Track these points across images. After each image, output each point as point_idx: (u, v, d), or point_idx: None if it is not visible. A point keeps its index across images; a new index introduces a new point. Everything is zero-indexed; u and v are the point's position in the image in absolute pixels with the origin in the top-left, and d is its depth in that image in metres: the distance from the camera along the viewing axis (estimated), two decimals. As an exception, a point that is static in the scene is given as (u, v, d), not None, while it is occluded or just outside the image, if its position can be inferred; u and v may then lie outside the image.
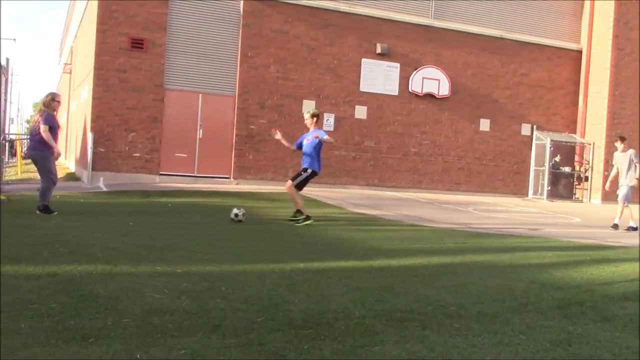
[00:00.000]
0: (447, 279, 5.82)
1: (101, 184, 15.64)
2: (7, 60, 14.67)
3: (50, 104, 9.65)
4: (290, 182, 10.45)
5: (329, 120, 18.87)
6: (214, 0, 17.65)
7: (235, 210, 9.66)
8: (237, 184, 17.72)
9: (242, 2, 17.86)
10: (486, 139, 20.95)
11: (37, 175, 17.30)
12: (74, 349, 3.20)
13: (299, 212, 10.20)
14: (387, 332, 3.89)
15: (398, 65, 19.62)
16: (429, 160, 20.23)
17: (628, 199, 12.17)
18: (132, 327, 3.63)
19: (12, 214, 8.89)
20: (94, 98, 16.64)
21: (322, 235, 8.83)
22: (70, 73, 29.30)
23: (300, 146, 10.69)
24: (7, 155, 22.24)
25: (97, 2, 16.77)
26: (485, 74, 20.79)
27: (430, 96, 20.00)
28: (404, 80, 19.70)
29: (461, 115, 20.50)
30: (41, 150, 9.49)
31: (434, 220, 11.78)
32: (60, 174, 21.78)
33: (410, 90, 19.76)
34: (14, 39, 73.49)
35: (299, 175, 10.46)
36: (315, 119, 10.69)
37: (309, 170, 10.42)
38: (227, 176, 17.94)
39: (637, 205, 13.49)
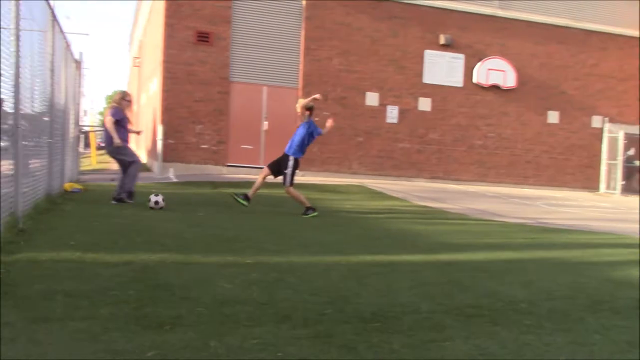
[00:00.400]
0: (516, 274, 5.70)
1: (171, 175, 16.05)
2: (81, 54, 15.20)
3: (120, 102, 10.05)
4: (287, 187, 9.72)
5: (392, 112, 18.75)
6: (278, -7, 17.79)
7: (153, 197, 9.19)
8: (302, 176, 17.85)
9: (306, -6, 17.93)
10: (555, 132, 20.37)
11: (111, 166, 17.87)
12: (151, 335, 3.29)
13: (310, 208, 9.62)
14: (457, 328, 3.85)
15: (462, 56, 19.30)
16: (495, 153, 19.83)
17: None
18: (205, 316, 3.71)
19: (89, 204, 9.22)
20: (163, 91, 17.07)
21: (387, 228, 8.80)
22: (140, 66, 30.11)
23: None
24: (82, 147, 23.05)
25: (166, -3, 17.17)
26: (553, 64, 20.19)
27: (495, 88, 19.59)
28: (469, 71, 19.37)
29: (528, 107, 19.99)
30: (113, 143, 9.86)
31: (501, 215, 11.55)
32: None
33: (475, 82, 19.41)
34: (87, 34, 76.06)
35: (285, 173, 9.69)
36: (308, 112, 9.86)
37: (292, 159, 9.70)
38: (291, 168, 18.09)
39: None
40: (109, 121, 9.77)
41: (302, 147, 9.75)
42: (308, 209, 9.56)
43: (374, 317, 3.94)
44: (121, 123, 9.90)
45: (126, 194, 9.77)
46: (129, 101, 10.32)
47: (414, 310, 4.16)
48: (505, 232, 9.13)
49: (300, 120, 10.07)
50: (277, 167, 9.74)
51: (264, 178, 9.73)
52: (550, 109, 20.24)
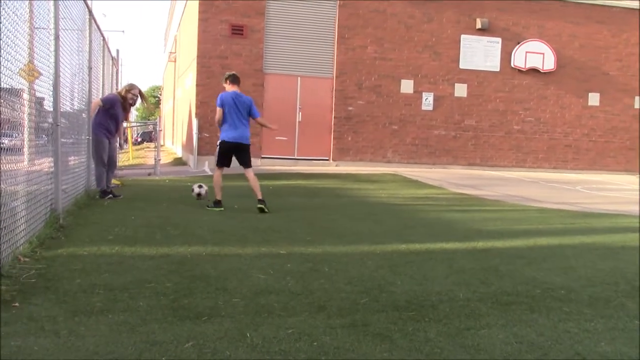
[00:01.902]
0: (555, 261, 5.62)
1: (206, 168, 16.23)
2: (117, 51, 15.46)
3: (125, 94, 9.65)
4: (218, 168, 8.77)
5: (427, 99, 18.59)
6: (310, -17, 17.75)
7: (196, 189, 9.13)
8: (336, 166, 17.86)
9: (338, -17, 17.84)
10: (595, 114, 19.93)
11: (147, 161, 17.95)
12: (189, 326, 3.36)
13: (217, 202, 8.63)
14: (493, 315, 3.83)
15: (499, 40, 18.99)
16: (533, 138, 19.51)
17: None
18: (241, 307, 3.76)
19: (126, 198, 9.39)
20: (197, 85, 17.24)
21: (422, 216, 8.75)
22: (175, 61, 30.44)
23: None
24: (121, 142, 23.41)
25: (198, -9, 17.29)
26: (594, 45, 19.72)
27: (534, 71, 19.24)
28: (506, 55, 19.06)
29: (568, 89, 19.60)
30: (94, 133, 9.35)
31: (540, 200, 11.38)
32: (168, 158, 22.81)
33: (512, 66, 19.10)
34: (123, 31, 77.19)
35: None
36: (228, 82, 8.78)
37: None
38: (327, 158, 18.11)
39: None
40: (94, 102, 9.34)
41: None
42: (217, 202, 8.56)
43: (409, 306, 3.94)
44: (111, 113, 9.34)
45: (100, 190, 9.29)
46: (134, 96, 9.68)
47: (450, 299, 4.15)
48: (543, 217, 8.99)
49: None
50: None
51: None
52: (591, 91, 19.79)
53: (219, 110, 8.54)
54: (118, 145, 10.23)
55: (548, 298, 4.28)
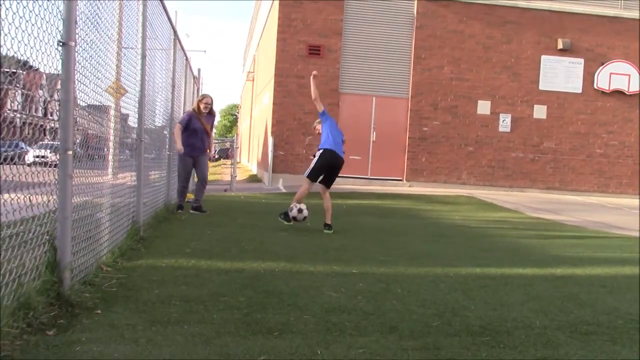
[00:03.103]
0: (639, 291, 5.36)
1: (280, 186, 16.45)
2: (199, 70, 15.96)
3: (197, 105, 9.74)
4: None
5: (505, 120, 18.23)
6: (388, 1, 17.81)
7: (295, 210, 8.13)
8: (410, 186, 17.72)
9: (415, 3, 17.85)
10: (685, 139, 18.98)
11: (224, 177, 18.35)
12: (261, 341, 3.40)
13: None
14: (572, 345, 3.68)
15: (582, 60, 18.45)
16: (616, 162, 18.75)
17: None
18: (312, 324, 3.78)
19: (204, 213, 9.61)
20: (274, 104, 17.56)
21: (498, 240, 8.55)
22: (253, 80, 31.14)
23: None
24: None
25: (277, 12, 17.67)
26: (684, 66, 18.83)
27: (618, 93, 18.55)
28: (589, 76, 18.47)
29: (655, 112, 18.76)
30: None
31: (624, 228, 10.89)
32: (244, 175, 23.27)
33: (595, 87, 18.49)
34: (204, 51, 79.70)
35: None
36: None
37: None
38: (400, 178, 18.02)
39: None
40: (176, 127, 9.45)
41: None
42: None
43: (483, 331, 3.85)
44: (191, 129, 9.49)
45: (180, 205, 9.64)
46: (207, 104, 9.68)
47: (526, 326, 4.03)
48: (626, 245, 8.60)
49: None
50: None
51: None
52: (680, 115, 18.90)
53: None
54: (208, 159, 10.12)
55: (632, 330, 4.08)
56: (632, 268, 6.59)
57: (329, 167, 8.35)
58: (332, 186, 8.55)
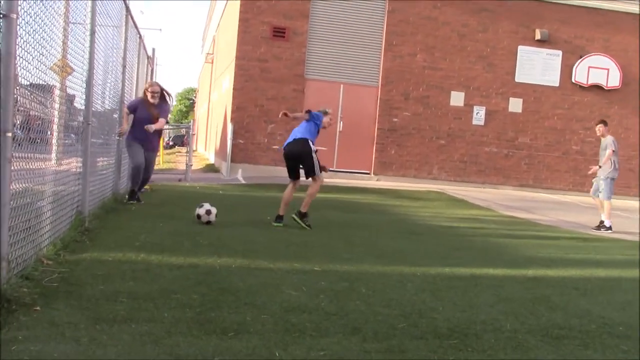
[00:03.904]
0: (613, 294, 5.50)
1: (239, 176, 16.38)
2: (153, 50, 15.77)
3: (144, 92, 9.66)
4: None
5: (479, 113, 18.46)
6: (358, -15, 17.83)
7: (202, 210, 7.74)
8: (377, 181, 17.83)
9: (388, -14, 17.90)
10: (663, 137, 19.48)
11: (178, 166, 18.24)
12: (215, 341, 3.39)
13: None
14: (543, 349, 3.76)
15: (560, 52, 18.77)
16: (593, 160, 19.10)
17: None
18: (270, 324, 3.78)
19: (154, 204, 9.52)
20: (234, 88, 17.45)
21: (468, 239, 8.67)
22: (212, 63, 30.89)
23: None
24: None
25: (240, -10, 17.53)
26: (665, 62, 19.31)
27: (597, 87, 18.95)
28: (567, 69, 18.82)
29: (633, 109, 19.21)
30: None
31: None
32: (200, 164, 23.10)
33: (573, 81, 18.84)
34: (160, 29, 78.75)
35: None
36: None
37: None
38: (367, 172, 18.10)
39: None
40: (124, 112, 9.47)
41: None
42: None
43: (451, 334, 3.90)
44: (136, 117, 9.38)
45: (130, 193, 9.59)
46: (154, 92, 9.48)
47: (495, 329, 4.10)
48: (602, 247, 8.81)
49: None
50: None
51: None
52: (659, 112, 19.39)
53: None
54: (152, 149, 9.96)
55: (604, 334, 4.19)
56: (606, 270, 6.76)
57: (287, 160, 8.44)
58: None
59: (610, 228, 10.87)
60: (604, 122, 11.55)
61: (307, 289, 4.72)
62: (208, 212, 7.75)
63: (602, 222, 11.04)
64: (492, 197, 15.58)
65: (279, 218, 8.30)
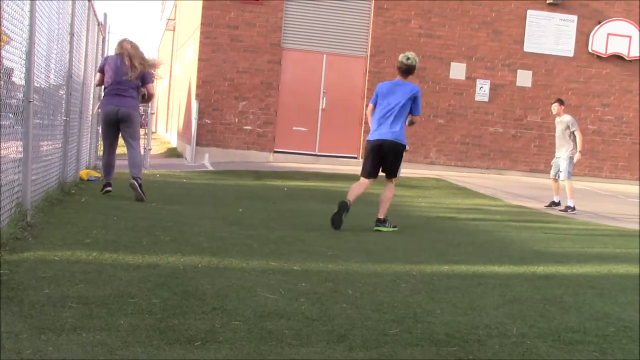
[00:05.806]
0: (634, 294, 5.58)
1: (206, 162, 16.35)
2: (105, 15, 15.61)
3: (121, 45, 9.44)
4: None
5: (482, 88, 18.54)
6: (343, -61, 17.78)
7: None
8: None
9: (377, -59, 17.87)
10: (691, 114, 19.70)
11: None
12: (179, 352, 3.40)
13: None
14: (554, 356, 3.81)
15: (575, 18, 18.87)
16: (612, 142, 19.35)
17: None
18: (243, 332, 3.79)
19: (108, 195, 9.48)
20: (200, 60, 17.36)
21: (470, 232, 8.73)
22: (174, 30, 30.68)
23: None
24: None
25: (205, -55, 17.41)
26: (694, 28, 19.50)
27: (617, 58, 19.09)
28: (583, 37, 18.93)
29: (659, 82, 19.39)
30: None
31: (618, 219, 11.27)
32: (160, 148, 23.02)
33: (590, 51, 18.97)
34: (112, -8, 77.93)
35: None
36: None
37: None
38: (355, 156, 18.12)
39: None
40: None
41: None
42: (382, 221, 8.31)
43: (450, 340, 3.94)
44: (112, 74, 9.21)
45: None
46: (129, 44, 9.34)
47: (501, 333, 4.14)
48: (621, 240, 8.91)
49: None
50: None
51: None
52: (687, 86, 19.61)
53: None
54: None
55: (624, 339, 4.25)
56: (627, 266, 6.84)
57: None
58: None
59: (574, 208, 11.50)
60: (561, 101, 12.26)
61: (285, 292, 4.73)
62: None
63: (553, 201, 12.00)
64: (497, 184, 15.67)
65: (379, 221, 8.22)
